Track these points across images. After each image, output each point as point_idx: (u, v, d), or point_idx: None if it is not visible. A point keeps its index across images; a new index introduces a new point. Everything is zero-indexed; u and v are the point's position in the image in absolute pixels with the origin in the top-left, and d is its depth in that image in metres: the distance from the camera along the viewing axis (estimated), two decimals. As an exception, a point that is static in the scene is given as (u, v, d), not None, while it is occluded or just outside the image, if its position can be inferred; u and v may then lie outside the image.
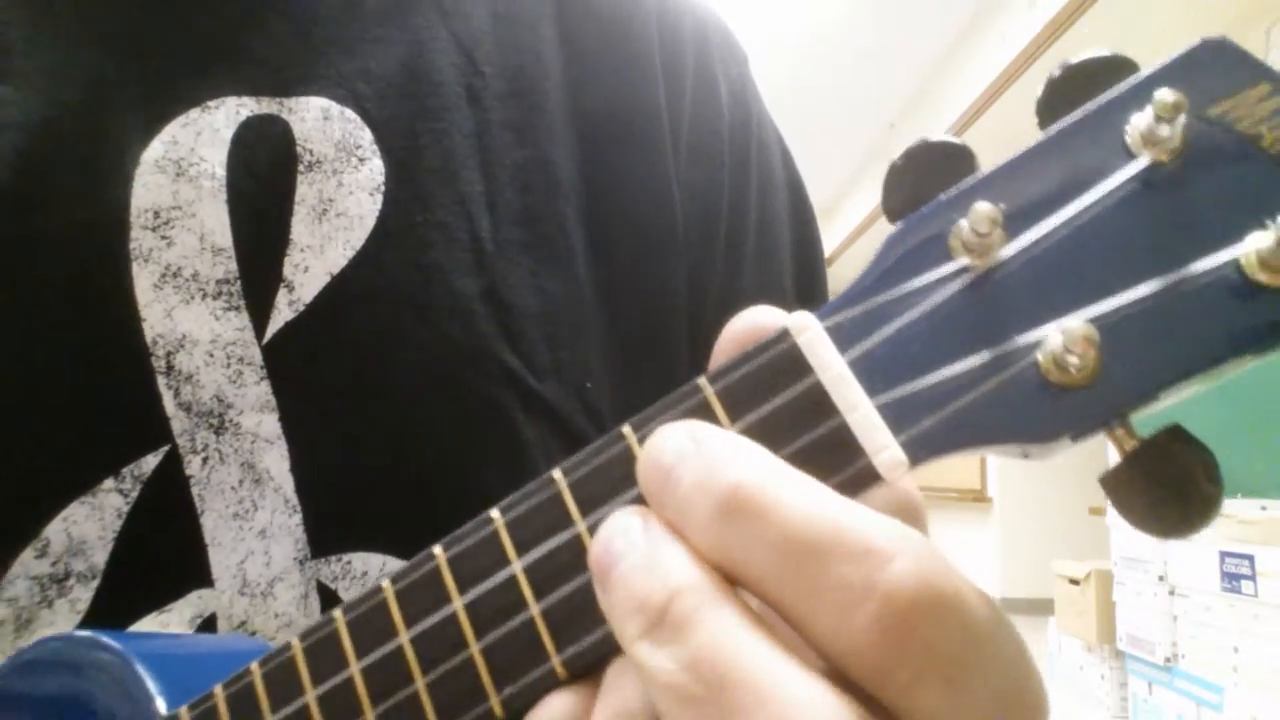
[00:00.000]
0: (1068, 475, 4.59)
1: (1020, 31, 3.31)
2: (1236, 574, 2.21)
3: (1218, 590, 2.27)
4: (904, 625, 0.16)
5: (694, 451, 0.18)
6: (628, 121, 0.41)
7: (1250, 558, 2.17)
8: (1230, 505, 2.25)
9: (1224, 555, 2.25)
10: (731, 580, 0.18)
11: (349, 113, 0.37)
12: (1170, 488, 0.18)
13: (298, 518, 0.33)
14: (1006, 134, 3.97)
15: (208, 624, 0.32)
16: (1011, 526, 5.01)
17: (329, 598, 0.33)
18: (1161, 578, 2.51)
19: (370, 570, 0.33)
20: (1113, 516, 2.75)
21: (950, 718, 0.16)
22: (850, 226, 5.49)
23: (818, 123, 4.48)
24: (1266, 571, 2.13)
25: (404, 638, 0.21)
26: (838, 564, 0.16)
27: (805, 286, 0.46)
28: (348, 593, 0.33)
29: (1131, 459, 0.18)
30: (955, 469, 5.48)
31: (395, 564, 0.33)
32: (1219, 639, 2.27)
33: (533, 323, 0.36)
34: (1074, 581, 2.95)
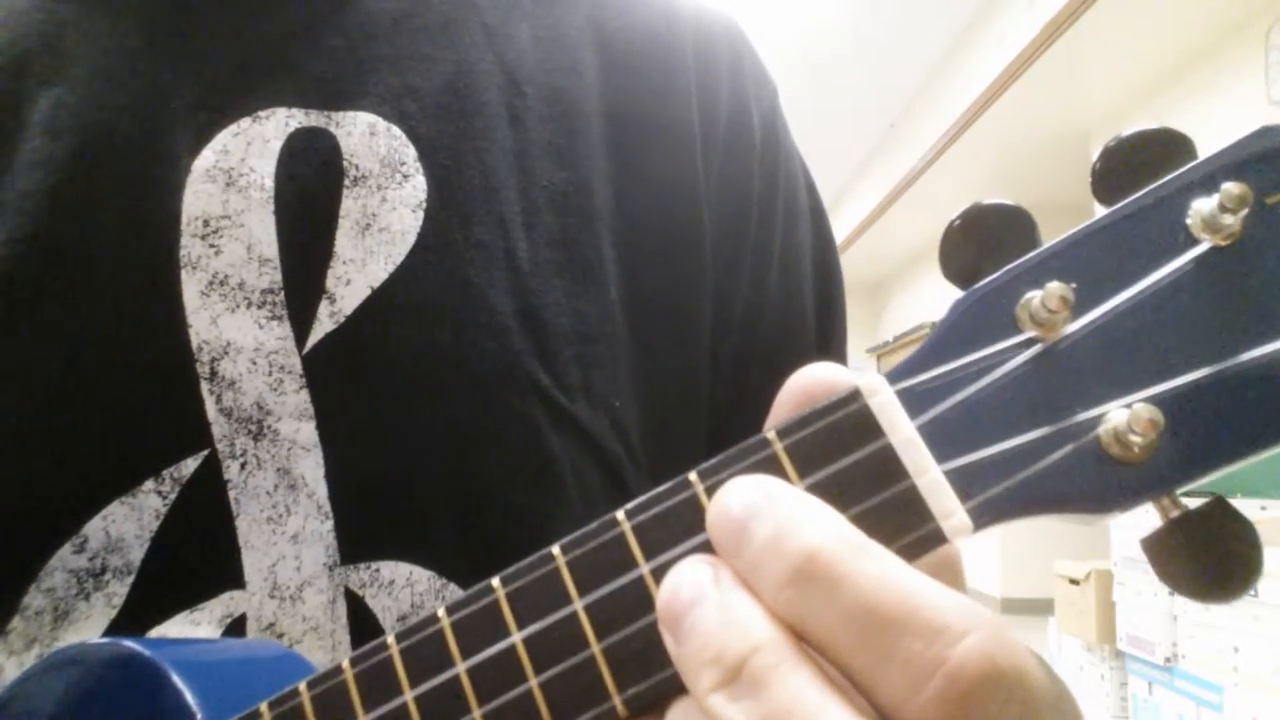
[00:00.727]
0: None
1: (1020, 31, 3.31)
2: (1236, 574, 2.21)
3: (1218, 590, 2.27)
4: (967, 702, 0.16)
5: (767, 509, 0.19)
6: (662, 147, 0.42)
7: (1250, 558, 2.17)
8: (1230, 505, 2.25)
9: (1224, 555, 2.24)
10: (799, 638, 0.18)
11: (395, 129, 0.37)
12: (1212, 558, 0.18)
13: (329, 524, 0.34)
14: (1006, 134, 3.97)
15: (237, 624, 0.33)
16: (1011, 526, 4.99)
17: (356, 604, 0.34)
18: (1161, 578, 2.51)
19: (397, 579, 0.34)
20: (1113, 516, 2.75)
21: None
22: (850, 226, 5.50)
23: (818, 122, 4.48)
24: (1267, 571, 2.13)
25: (460, 668, 0.21)
26: (908, 638, 0.17)
27: (824, 314, 0.46)
28: (375, 600, 0.34)
29: (1175, 526, 0.19)
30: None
31: (422, 574, 0.34)
32: (1219, 639, 2.28)
33: (565, 342, 0.37)
34: (1074, 581, 2.95)
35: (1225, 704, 2.21)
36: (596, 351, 0.37)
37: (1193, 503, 0.19)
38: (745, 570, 0.19)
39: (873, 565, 0.17)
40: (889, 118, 4.60)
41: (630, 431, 0.38)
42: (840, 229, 5.61)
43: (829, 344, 0.46)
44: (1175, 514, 0.19)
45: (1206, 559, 0.18)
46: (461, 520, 0.34)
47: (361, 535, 0.34)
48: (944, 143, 4.09)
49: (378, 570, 0.34)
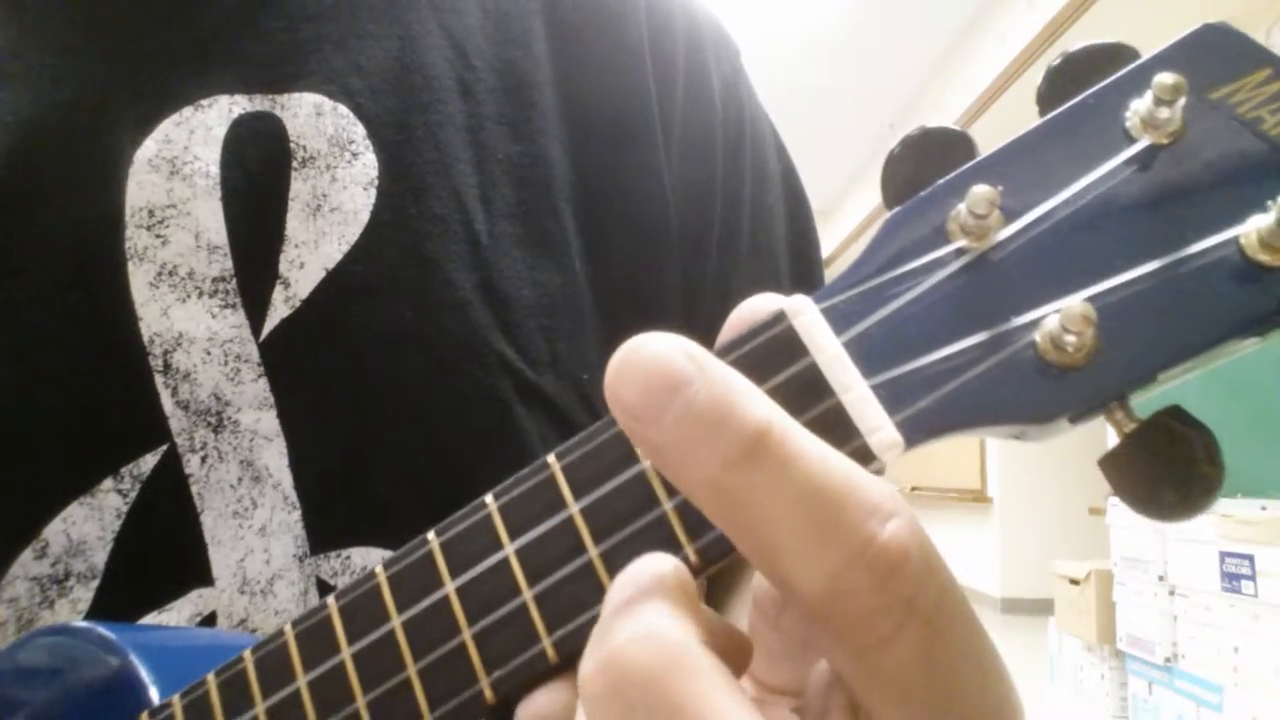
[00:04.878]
0: (1068, 475, 4.59)
1: (1020, 32, 3.31)
2: (1236, 574, 2.21)
3: (1218, 590, 2.27)
4: (898, 575, 0.16)
5: (697, 375, 0.17)
6: (618, 115, 0.41)
7: (1250, 558, 2.17)
8: (1230, 505, 2.25)
9: (1224, 555, 2.25)
10: (722, 519, 0.17)
11: (341, 108, 0.37)
12: (1171, 469, 0.17)
13: (297, 514, 0.33)
14: (1006, 134, 3.96)
15: (207, 622, 0.32)
16: (1011, 526, 5.01)
17: (328, 593, 0.33)
18: (1161, 578, 2.51)
19: (369, 565, 0.33)
20: (1113, 516, 2.75)
21: (922, 678, 0.16)
22: (850, 227, 5.50)
23: (818, 123, 4.48)
24: (1266, 571, 2.13)
25: (395, 623, 0.21)
26: (846, 514, 0.16)
27: (801, 278, 0.46)
28: None
29: (1131, 440, 0.18)
30: (955, 469, 5.48)
31: None
32: (1219, 639, 2.27)
33: (529, 315, 0.36)
34: (1074, 581, 2.95)
35: (1225, 704, 2.21)
36: (561, 324, 0.37)
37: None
38: (666, 443, 0.16)
39: (815, 443, 0.17)
40: (889, 118, 4.60)
41: (600, 405, 0.37)
42: (840, 230, 5.61)
43: None
44: (1130, 427, 0.18)
45: (1163, 471, 0.17)
46: (430, 500, 0.33)
47: (330, 523, 0.33)
48: (944, 143, 4.08)
49: (348, 557, 0.33)
